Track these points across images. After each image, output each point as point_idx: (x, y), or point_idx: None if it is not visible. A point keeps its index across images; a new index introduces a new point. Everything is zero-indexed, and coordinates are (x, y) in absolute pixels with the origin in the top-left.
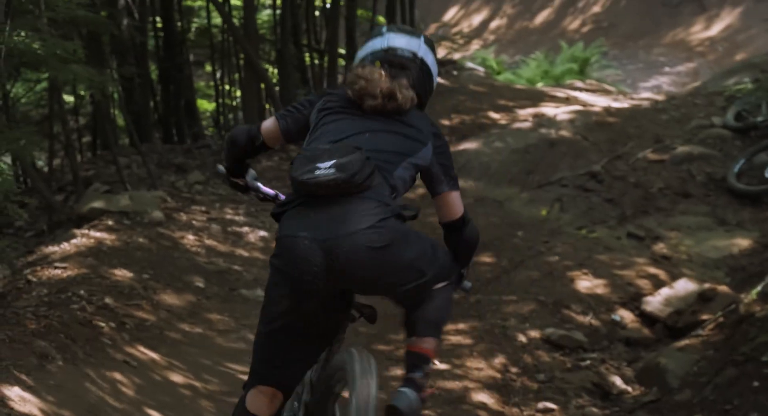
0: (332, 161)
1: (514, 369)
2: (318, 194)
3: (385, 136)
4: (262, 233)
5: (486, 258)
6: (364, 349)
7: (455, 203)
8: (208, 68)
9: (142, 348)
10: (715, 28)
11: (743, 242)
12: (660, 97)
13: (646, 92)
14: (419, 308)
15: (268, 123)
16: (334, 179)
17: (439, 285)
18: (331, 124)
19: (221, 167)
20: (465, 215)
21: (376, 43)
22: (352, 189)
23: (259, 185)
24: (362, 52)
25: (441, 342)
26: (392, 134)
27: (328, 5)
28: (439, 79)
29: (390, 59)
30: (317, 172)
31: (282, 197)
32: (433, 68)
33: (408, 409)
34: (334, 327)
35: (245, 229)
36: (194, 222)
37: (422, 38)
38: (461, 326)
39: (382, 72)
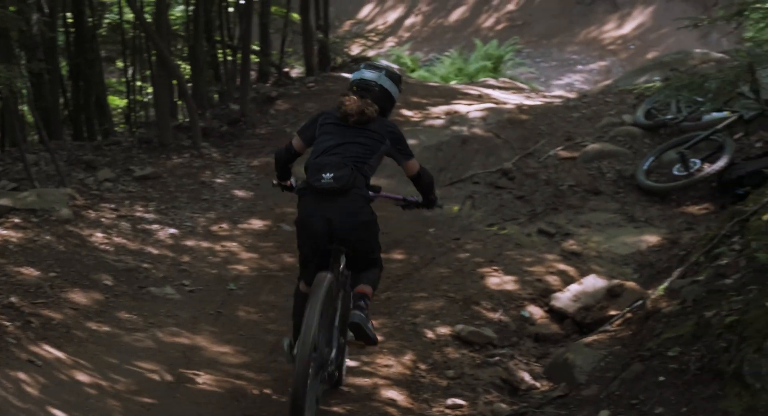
0: (331, 174)
1: (423, 366)
2: (323, 192)
3: (361, 142)
4: (172, 230)
5: (397, 255)
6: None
7: (411, 166)
8: (120, 64)
9: (47, 347)
10: (628, 27)
11: (651, 239)
12: (572, 95)
13: (559, 90)
14: (363, 271)
15: (295, 141)
16: (331, 186)
17: (373, 258)
18: (326, 135)
19: (274, 181)
20: (419, 171)
21: (356, 75)
22: (342, 190)
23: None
24: (351, 80)
25: (371, 298)
26: (365, 139)
27: (242, 1)
28: (349, 76)
29: (362, 85)
30: (322, 180)
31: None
32: (392, 90)
33: (360, 320)
34: (326, 255)
35: (155, 226)
36: (103, 220)
37: (384, 72)
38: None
39: (355, 98)
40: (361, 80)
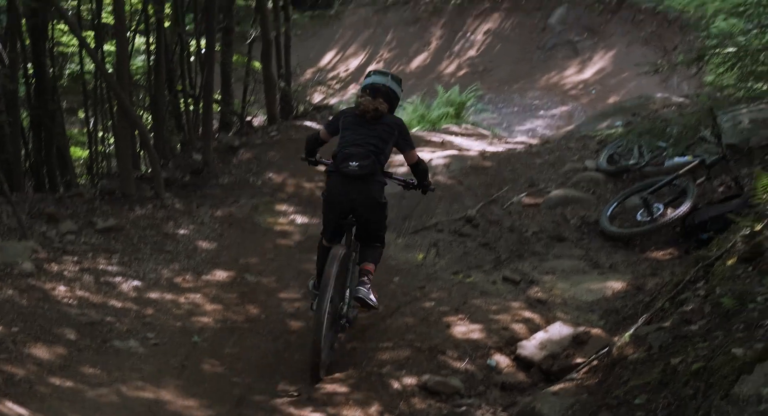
0: (357, 163)
1: None
2: (349, 176)
3: (377, 135)
4: (136, 282)
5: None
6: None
7: (412, 156)
8: (82, 115)
9: (10, 404)
10: (588, 72)
11: (616, 285)
12: (534, 141)
13: (522, 136)
14: (369, 248)
15: (322, 132)
16: (356, 172)
17: (381, 234)
18: (349, 129)
19: (302, 156)
20: (418, 160)
21: (367, 81)
22: (365, 176)
23: (323, 160)
24: (362, 84)
25: (373, 273)
26: (380, 133)
27: (203, 51)
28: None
29: (373, 88)
30: (349, 167)
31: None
32: (396, 90)
33: (364, 295)
34: (344, 225)
35: (118, 279)
36: (66, 273)
37: (389, 76)
38: (337, 374)
39: (370, 98)
40: (372, 84)
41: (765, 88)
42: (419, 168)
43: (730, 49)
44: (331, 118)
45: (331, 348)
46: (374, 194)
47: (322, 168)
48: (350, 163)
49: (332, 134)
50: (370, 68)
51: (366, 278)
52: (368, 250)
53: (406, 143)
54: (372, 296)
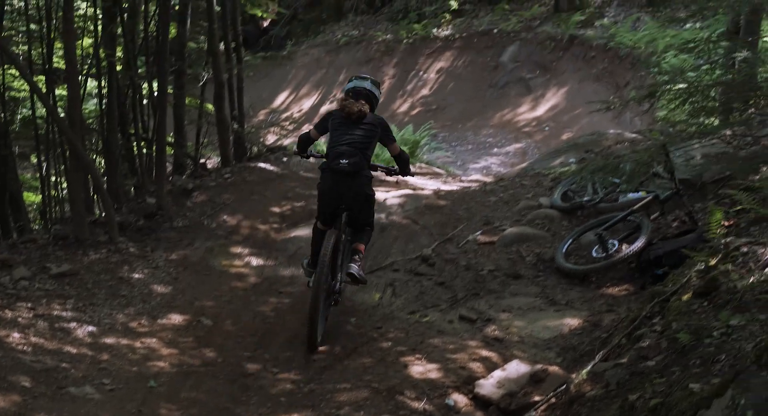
0: (347, 160)
1: None
2: (339, 172)
3: (362, 134)
4: (91, 328)
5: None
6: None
7: (395, 148)
8: (34, 160)
9: None
10: (541, 109)
11: (573, 322)
12: (488, 179)
13: (476, 173)
14: (360, 231)
15: (312, 132)
16: (346, 169)
17: (369, 221)
18: (338, 129)
19: (295, 151)
20: (400, 152)
21: (349, 85)
22: (353, 172)
23: (314, 153)
24: (345, 88)
25: (363, 253)
26: (364, 132)
27: (155, 93)
28: (267, 166)
29: (354, 92)
30: (340, 164)
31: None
32: (375, 91)
33: (354, 271)
34: (337, 214)
35: (73, 325)
36: (20, 320)
37: (369, 81)
38: (362, 270)
39: (353, 101)
40: (353, 88)
41: (716, 123)
42: (401, 158)
43: (681, 86)
44: (319, 120)
45: (325, 319)
46: (362, 187)
47: (312, 160)
48: (341, 161)
49: (321, 133)
50: (324, 109)
51: (357, 256)
52: (359, 233)
53: (388, 138)
54: (362, 273)
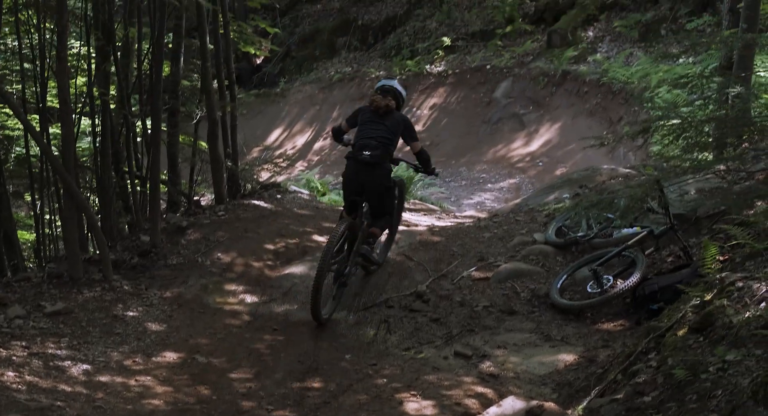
0: (369, 152)
1: None
2: (361, 162)
3: (386, 129)
4: (85, 366)
5: (314, 383)
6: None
7: (414, 146)
8: (28, 198)
9: None
10: (535, 144)
11: (568, 357)
12: (483, 215)
13: (470, 209)
14: (378, 218)
15: (343, 124)
16: (368, 160)
17: (389, 210)
18: (366, 123)
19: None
20: (420, 150)
21: (378, 84)
22: (374, 164)
23: (349, 139)
24: (375, 87)
25: (377, 236)
26: (388, 127)
27: (149, 131)
28: (261, 203)
29: (383, 90)
30: (363, 155)
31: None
32: (401, 90)
33: (366, 252)
34: (357, 201)
35: (67, 363)
36: (14, 358)
37: (395, 81)
38: (375, 252)
39: (380, 96)
40: (382, 86)
41: (710, 158)
42: (422, 157)
43: (675, 121)
44: (350, 114)
45: (336, 300)
46: (380, 178)
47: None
48: (363, 152)
49: (351, 126)
50: (317, 145)
51: (370, 239)
52: (377, 220)
53: (411, 136)
54: (373, 255)
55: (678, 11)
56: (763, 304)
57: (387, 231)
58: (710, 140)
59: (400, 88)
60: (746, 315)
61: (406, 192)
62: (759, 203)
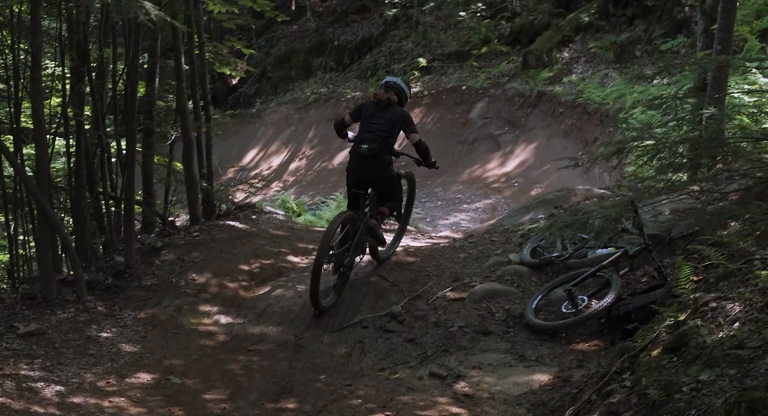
0: (367, 145)
1: None
2: (360, 155)
3: (386, 120)
4: (58, 387)
5: (289, 404)
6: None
7: (413, 138)
8: (2, 219)
9: None
10: (510, 165)
11: (543, 378)
12: (458, 235)
13: (446, 230)
14: (385, 200)
15: (347, 118)
16: (368, 153)
17: (394, 196)
18: (367, 117)
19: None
20: (418, 141)
21: (384, 81)
22: (373, 156)
23: (349, 136)
24: (380, 83)
25: (389, 216)
26: (387, 121)
27: (124, 152)
28: (236, 224)
29: (387, 85)
30: (362, 148)
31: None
32: (405, 88)
33: (373, 226)
34: (359, 195)
35: (40, 384)
36: None
37: (399, 78)
38: (382, 229)
39: (383, 90)
40: (386, 82)
41: (684, 179)
42: (420, 148)
43: (649, 142)
44: (354, 108)
45: (337, 291)
46: (381, 170)
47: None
48: (362, 145)
49: (355, 120)
50: (293, 165)
51: (379, 216)
52: (384, 202)
53: (409, 128)
54: (379, 231)
55: (653, 33)
56: (737, 324)
57: (397, 224)
58: (684, 160)
59: (403, 85)
60: (720, 335)
61: (416, 187)
62: (732, 224)
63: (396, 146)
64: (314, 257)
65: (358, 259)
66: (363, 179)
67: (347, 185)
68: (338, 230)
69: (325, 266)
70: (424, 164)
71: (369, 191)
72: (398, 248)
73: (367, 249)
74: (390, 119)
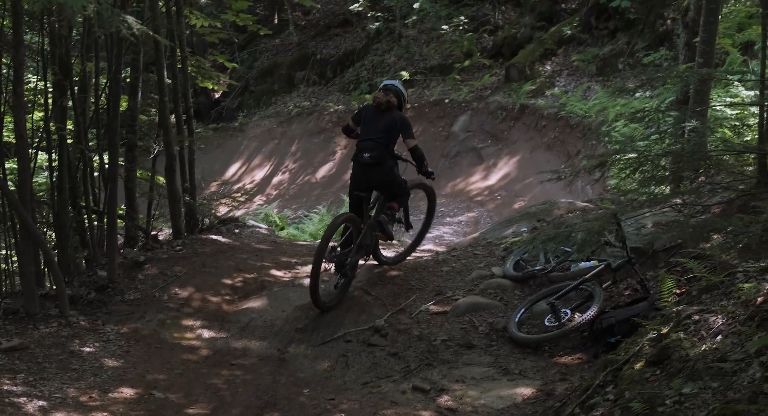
0: (369, 153)
1: None
2: (363, 164)
3: (385, 124)
4: (41, 402)
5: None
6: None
7: (408, 143)
8: None
9: None
10: (493, 178)
11: (526, 391)
12: (441, 249)
13: (429, 243)
14: (392, 199)
15: (351, 123)
16: (370, 161)
17: (400, 194)
18: (366, 121)
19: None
20: (414, 147)
21: (381, 84)
22: (375, 164)
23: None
24: (379, 86)
25: (395, 210)
26: (386, 125)
27: (106, 166)
28: (219, 238)
29: (386, 88)
30: (364, 157)
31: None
32: (403, 91)
33: (382, 220)
34: (362, 198)
35: (23, 399)
36: None
37: (397, 81)
38: (391, 226)
39: (382, 93)
40: (384, 85)
41: (666, 192)
42: (415, 155)
43: (632, 155)
44: (355, 112)
45: (339, 289)
46: (383, 175)
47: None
48: (364, 154)
49: (357, 124)
50: (276, 179)
51: (388, 211)
52: (393, 199)
53: (406, 133)
54: (388, 226)
55: (635, 46)
56: (720, 337)
57: (412, 236)
58: (667, 173)
59: (401, 87)
60: (702, 348)
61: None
62: (715, 237)
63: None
64: (296, 269)
65: (362, 262)
66: (367, 184)
67: (350, 189)
68: (341, 228)
69: (326, 265)
70: (420, 171)
71: (372, 193)
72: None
73: (371, 255)
74: (389, 123)
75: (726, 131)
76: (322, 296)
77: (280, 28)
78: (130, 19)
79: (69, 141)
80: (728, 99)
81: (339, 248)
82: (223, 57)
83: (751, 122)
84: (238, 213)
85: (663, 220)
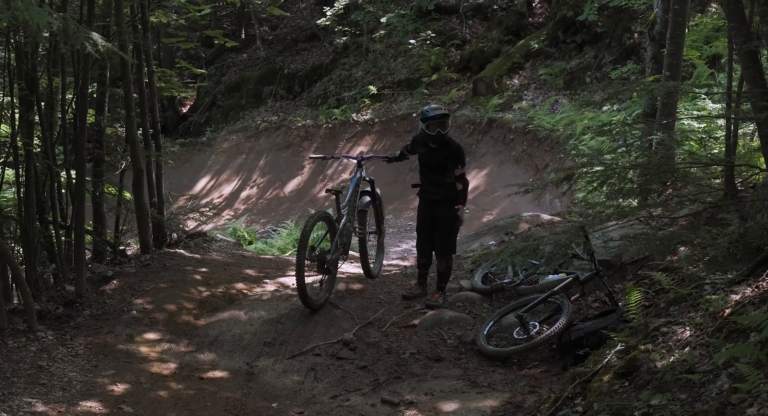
0: (436, 190)
1: None
2: (432, 202)
3: (441, 159)
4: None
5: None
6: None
7: (456, 170)
8: None
9: None
10: None
11: (495, 403)
12: (409, 263)
13: (397, 257)
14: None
15: (404, 149)
16: (437, 199)
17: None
18: (424, 156)
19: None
20: (459, 176)
21: (427, 114)
22: (441, 200)
23: (406, 155)
24: (425, 117)
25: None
26: (443, 157)
27: (74, 181)
28: (187, 253)
29: (434, 118)
30: (432, 193)
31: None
32: (447, 113)
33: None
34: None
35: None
36: None
37: (438, 105)
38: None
39: (434, 123)
40: (432, 116)
41: (634, 205)
42: (461, 180)
43: (599, 168)
44: (408, 142)
45: (324, 288)
46: (449, 211)
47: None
48: (433, 190)
49: (412, 153)
50: (244, 193)
51: (434, 287)
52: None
53: (456, 161)
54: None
55: (602, 59)
56: (687, 349)
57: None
58: (634, 186)
59: (445, 111)
60: (671, 360)
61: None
62: (682, 249)
63: (366, 149)
64: (264, 283)
65: (341, 262)
66: (434, 220)
67: (417, 224)
68: (318, 224)
69: (308, 262)
70: (397, 159)
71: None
72: (347, 276)
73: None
74: (445, 153)
75: (693, 143)
76: (310, 294)
77: (247, 43)
78: (96, 35)
79: (36, 156)
80: (695, 112)
81: (317, 247)
82: (191, 66)
83: (718, 135)
84: (206, 228)
85: (631, 233)
